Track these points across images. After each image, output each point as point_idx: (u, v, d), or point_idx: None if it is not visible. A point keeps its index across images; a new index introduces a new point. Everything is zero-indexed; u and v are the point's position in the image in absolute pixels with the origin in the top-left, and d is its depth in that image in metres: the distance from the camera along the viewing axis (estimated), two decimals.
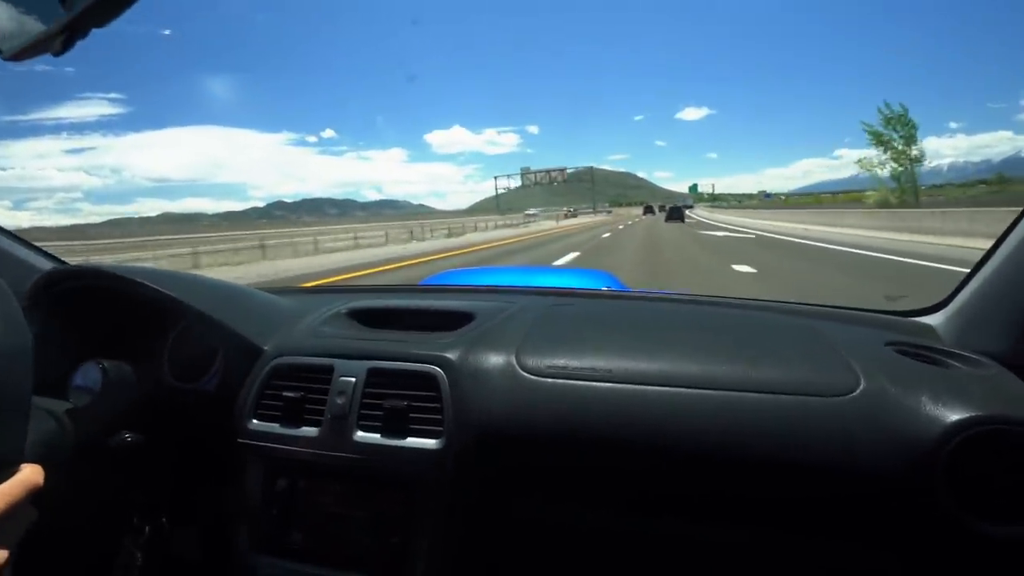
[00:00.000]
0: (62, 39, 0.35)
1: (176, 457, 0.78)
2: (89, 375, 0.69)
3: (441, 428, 0.64)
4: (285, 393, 0.71)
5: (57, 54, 0.37)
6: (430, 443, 0.64)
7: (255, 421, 0.72)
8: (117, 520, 0.77)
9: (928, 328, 0.80)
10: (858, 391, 0.57)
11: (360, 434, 0.67)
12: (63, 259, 0.97)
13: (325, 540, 0.68)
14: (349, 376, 0.70)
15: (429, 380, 0.68)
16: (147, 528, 0.78)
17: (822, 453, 0.55)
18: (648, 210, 66.04)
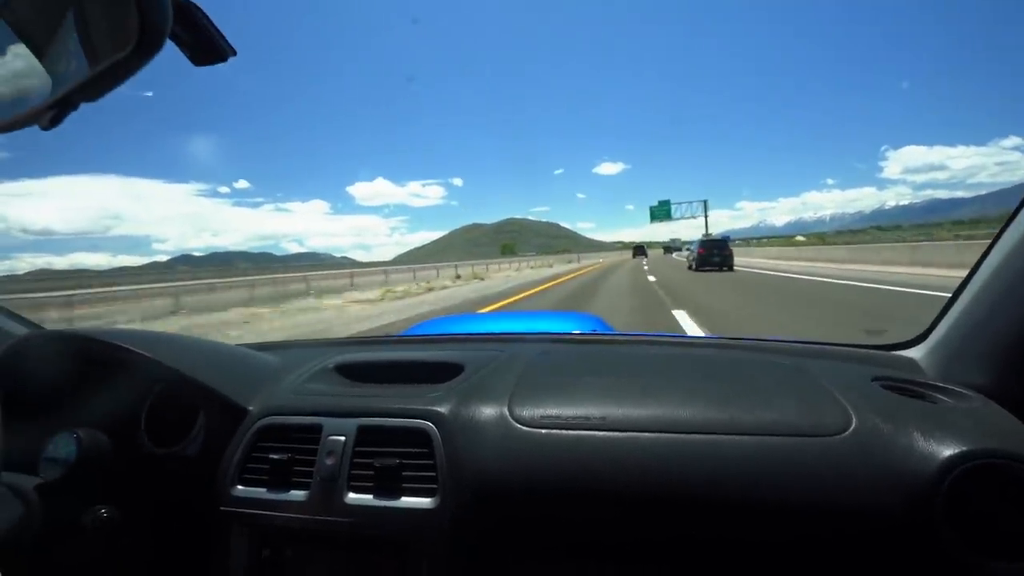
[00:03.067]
0: (52, 114, 0.36)
1: (156, 530, 0.74)
2: (62, 446, 0.67)
3: (435, 486, 0.64)
4: (271, 455, 0.69)
5: (45, 128, 0.37)
6: (425, 502, 0.64)
7: (239, 487, 0.70)
8: None
9: (911, 362, 0.81)
10: (850, 430, 0.58)
11: (352, 496, 0.66)
12: (36, 323, 0.92)
13: None
14: (338, 435, 0.69)
15: (421, 436, 0.67)
16: None
17: (819, 494, 0.55)
18: (639, 251, 66.89)
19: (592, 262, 44.13)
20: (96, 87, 0.34)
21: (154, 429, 0.79)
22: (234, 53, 0.37)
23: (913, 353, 0.82)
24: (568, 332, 1.18)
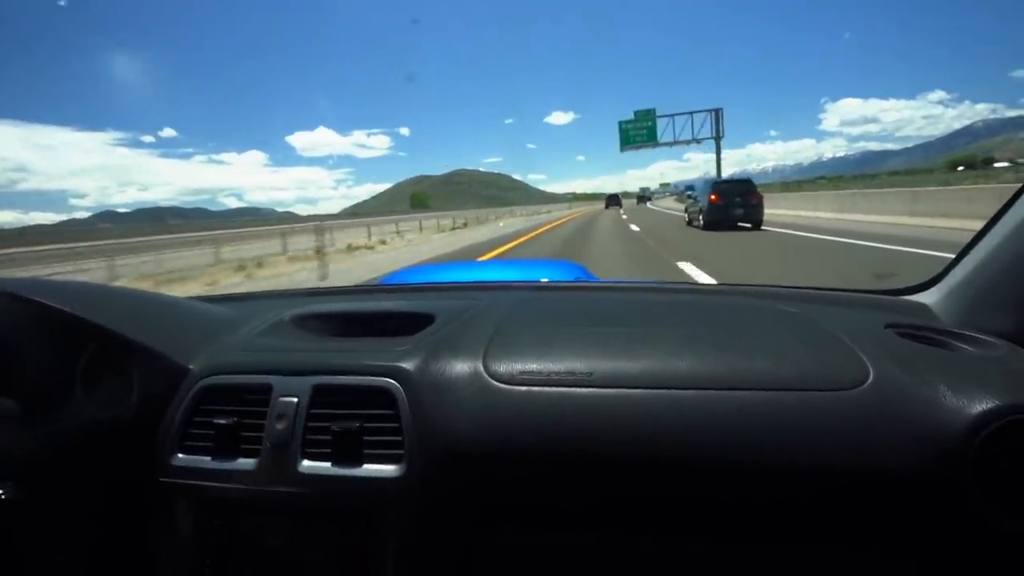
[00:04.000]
0: None
1: (78, 508, 0.66)
2: None
3: (402, 452, 0.59)
4: (216, 420, 0.64)
5: None
6: (389, 469, 0.59)
7: (180, 455, 0.65)
8: None
9: (922, 307, 0.77)
10: (868, 383, 0.54)
11: (306, 463, 0.61)
12: None
13: None
14: (290, 396, 0.63)
15: (384, 396, 0.62)
16: None
17: (834, 453, 0.51)
18: (612, 201, 56.57)
19: (556, 217, 31.11)
20: None
21: (91, 389, 0.70)
22: None
23: (925, 298, 0.78)
24: (549, 280, 1.13)
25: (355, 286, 1.28)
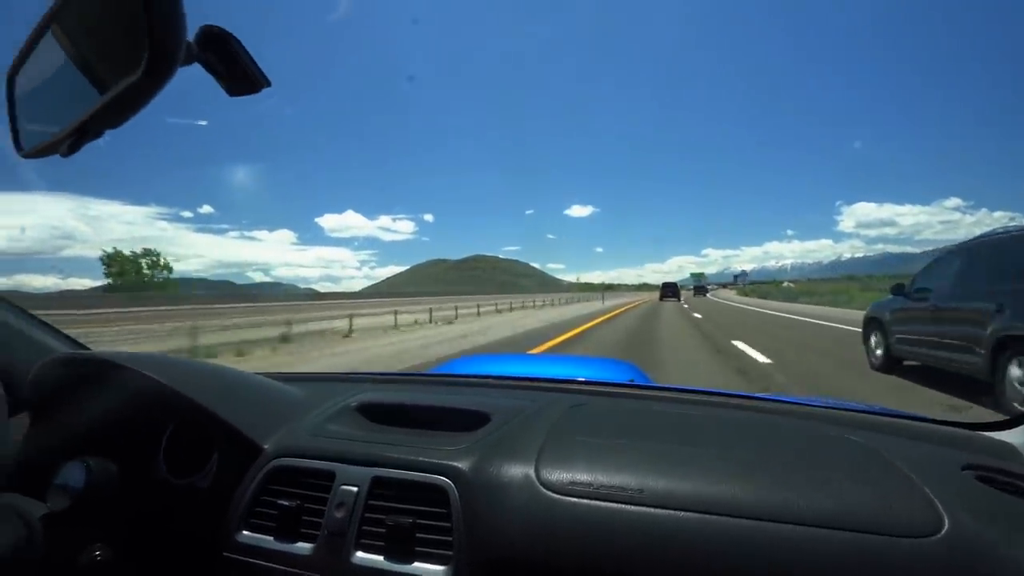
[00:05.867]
0: (70, 141, 0.39)
1: (159, 571, 0.73)
2: (72, 474, 0.67)
3: (450, 553, 0.60)
4: (280, 501, 0.68)
5: (65, 155, 0.40)
6: (436, 570, 0.60)
7: (245, 532, 0.69)
8: None
9: (1009, 448, 0.72)
10: (941, 533, 0.50)
11: (359, 555, 0.63)
12: (79, 342, 0.95)
13: None
14: (351, 485, 0.67)
15: (439, 493, 0.64)
16: None
17: None
18: (669, 291, 47.50)
19: (586, 310, 24.90)
20: (113, 114, 0.36)
21: (173, 457, 0.80)
22: (268, 84, 0.39)
23: (1012, 437, 0.73)
24: (603, 381, 1.08)
25: (414, 374, 1.37)
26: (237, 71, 0.38)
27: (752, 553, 0.52)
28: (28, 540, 0.59)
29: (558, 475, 0.61)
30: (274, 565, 0.65)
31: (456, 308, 20.88)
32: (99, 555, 0.67)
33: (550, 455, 0.65)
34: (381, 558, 0.62)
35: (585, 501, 0.58)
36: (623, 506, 0.57)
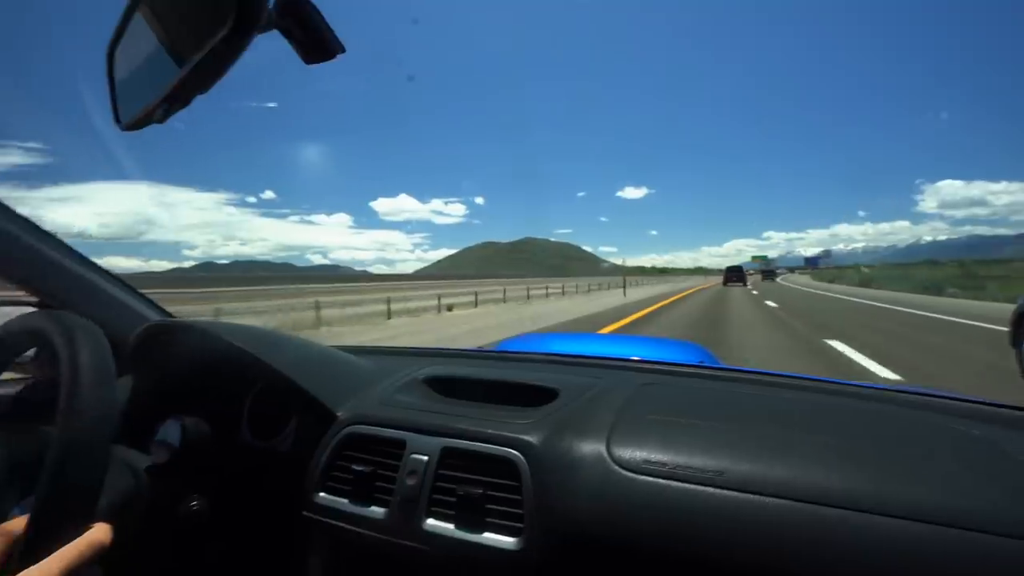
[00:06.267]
0: (164, 108, 0.42)
1: (238, 528, 0.80)
2: (171, 431, 0.74)
3: (521, 525, 0.61)
4: (354, 466, 0.71)
5: (160, 122, 0.43)
6: (508, 541, 0.61)
7: (322, 494, 0.73)
8: None
9: None
10: None
11: (431, 522, 0.64)
12: (166, 309, 1.04)
13: None
14: (422, 454, 0.69)
15: (508, 466, 0.65)
16: None
17: None
18: (734, 276, 44.11)
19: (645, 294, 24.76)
20: (202, 76, 0.38)
21: (254, 421, 0.87)
22: (343, 50, 0.39)
23: None
24: (673, 362, 1.02)
25: (478, 350, 1.37)
26: (314, 37, 0.39)
27: (842, 543, 0.48)
28: (136, 488, 0.65)
29: (630, 453, 0.60)
30: (350, 527, 0.69)
31: (476, 294, 19.43)
32: (195, 505, 0.73)
33: (622, 433, 0.64)
34: (452, 526, 0.63)
35: (661, 481, 0.57)
36: (701, 487, 0.55)
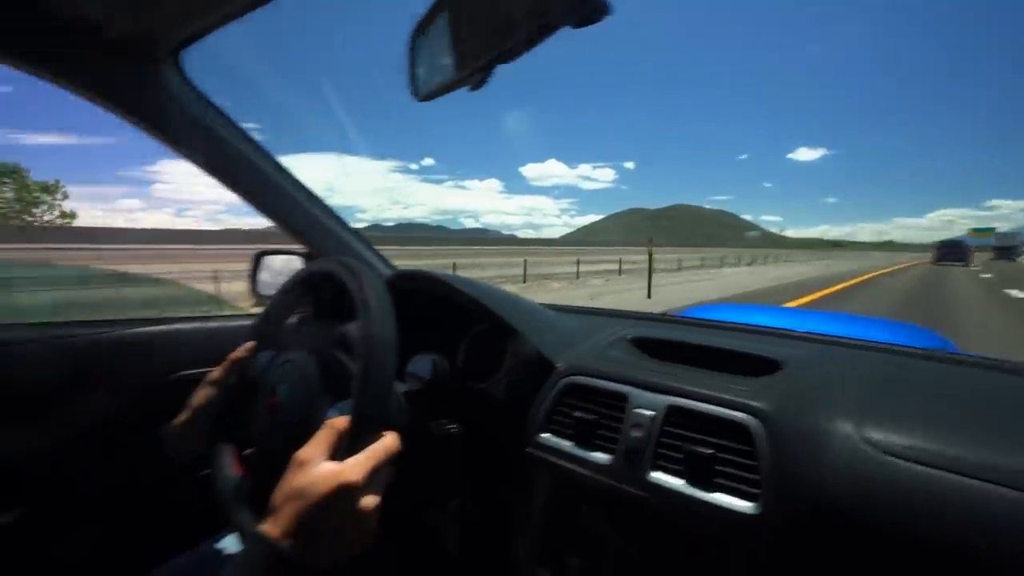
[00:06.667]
0: (479, 76, 0.46)
1: (475, 450, 0.86)
2: (420, 365, 0.85)
3: (758, 491, 0.59)
4: (576, 413, 0.74)
5: (474, 89, 0.48)
6: (743, 505, 0.60)
7: (545, 435, 0.77)
8: (424, 496, 0.94)
9: None
10: None
11: (655, 475, 0.66)
12: (391, 263, 1.22)
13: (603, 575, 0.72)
14: (646, 409, 0.70)
15: (740, 431, 0.64)
16: (453, 504, 0.95)
17: None
18: (950, 252, 38.98)
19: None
20: (511, 53, 0.42)
21: (469, 363, 0.97)
22: (609, 12, 0.38)
23: None
24: (911, 346, 0.96)
25: (675, 315, 1.37)
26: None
27: None
28: (399, 410, 0.72)
29: (886, 435, 0.58)
30: (573, 467, 0.72)
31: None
32: (453, 428, 0.80)
33: (874, 413, 0.62)
34: (681, 481, 0.64)
35: (919, 467, 0.54)
36: (965, 479, 0.52)
